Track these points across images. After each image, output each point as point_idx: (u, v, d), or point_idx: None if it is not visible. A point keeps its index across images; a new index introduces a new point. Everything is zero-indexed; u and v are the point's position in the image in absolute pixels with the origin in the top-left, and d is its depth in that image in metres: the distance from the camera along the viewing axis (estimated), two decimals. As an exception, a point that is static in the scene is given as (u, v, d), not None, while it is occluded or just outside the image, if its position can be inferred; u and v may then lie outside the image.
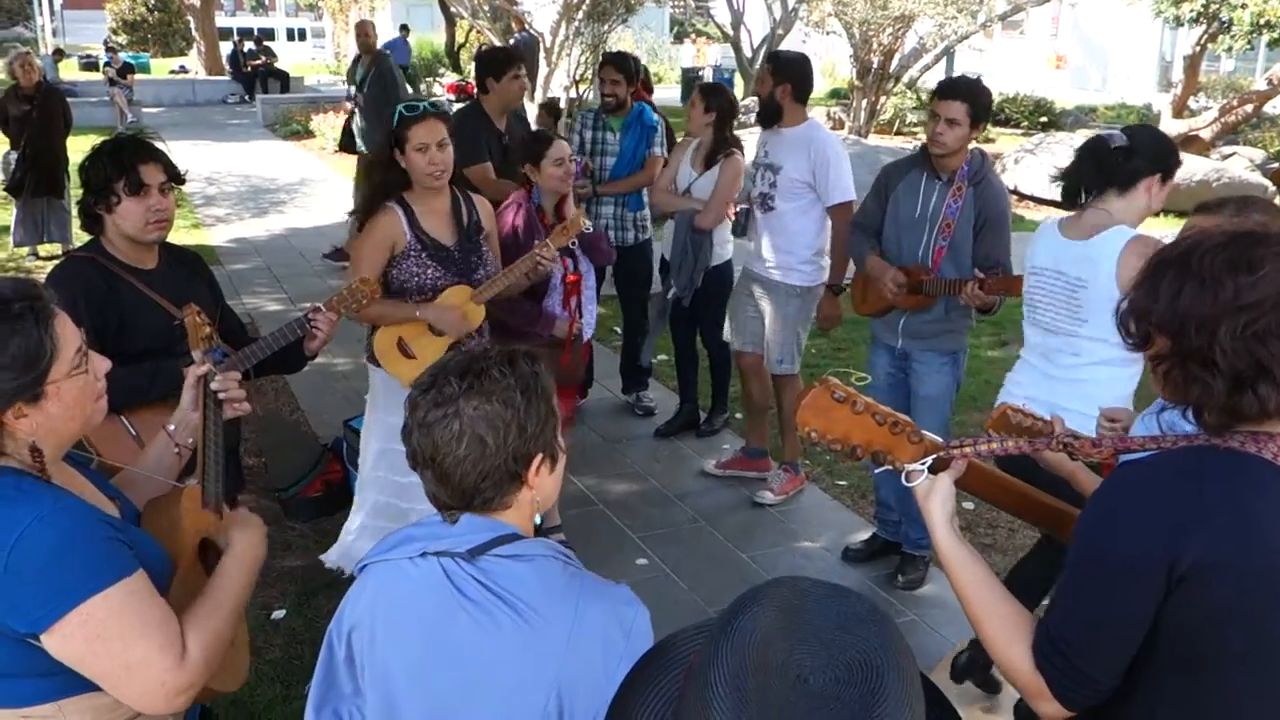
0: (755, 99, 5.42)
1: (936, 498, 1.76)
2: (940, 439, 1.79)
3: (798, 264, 4.97)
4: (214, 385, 2.28)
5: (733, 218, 5.33)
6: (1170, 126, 16.61)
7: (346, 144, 9.81)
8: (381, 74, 9.31)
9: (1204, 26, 16.05)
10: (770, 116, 4.98)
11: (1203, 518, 1.49)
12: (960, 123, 4.01)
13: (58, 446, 1.79)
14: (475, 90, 5.76)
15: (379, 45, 9.91)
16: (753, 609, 1.06)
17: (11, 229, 9.17)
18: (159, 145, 3.07)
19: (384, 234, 3.74)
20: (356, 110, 9.61)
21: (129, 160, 2.88)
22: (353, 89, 9.91)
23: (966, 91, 4.07)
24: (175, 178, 2.99)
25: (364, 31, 9.93)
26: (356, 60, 10.00)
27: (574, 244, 4.31)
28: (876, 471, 1.69)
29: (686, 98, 24.61)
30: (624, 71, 5.97)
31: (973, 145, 4.19)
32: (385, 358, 3.84)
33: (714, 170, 5.29)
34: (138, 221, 2.90)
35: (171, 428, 2.26)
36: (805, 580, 1.12)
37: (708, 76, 21.87)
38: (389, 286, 3.76)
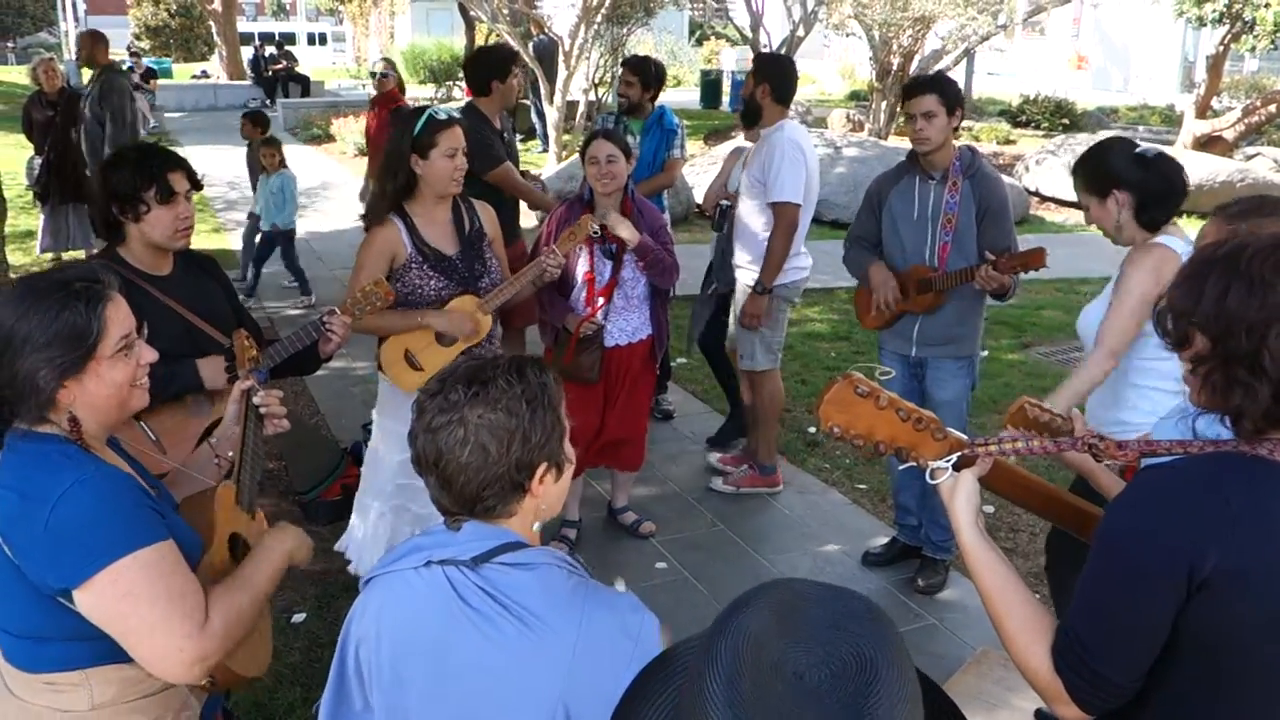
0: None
1: (961, 495, 1.75)
2: (964, 436, 1.78)
3: (755, 261, 4.99)
4: (256, 400, 2.42)
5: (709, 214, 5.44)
6: (1194, 127, 16.50)
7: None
8: (106, 91, 8.31)
9: (1227, 26, 15.93)
10: (752, 117, 5.02)
11: (1226, 525, 1.47)
12: (936, 114, 4.03)
13: (98, 424, 1.91)
14: (471, 93, 5.68)
15: (111, 58, 8.55)
16: (748, 610, 1.06)
17: (39, 236, 9.21)
18: (179, 151, 3.11)
19: (383, 246, 3.70)
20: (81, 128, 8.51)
21: (158, 169, 2.90)
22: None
23: (933, 84, 4.13)
24: (196, 184, 3.03)
25: (83, 44, 8.64)
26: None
27: (613, 247, 4.30)
28: (900, 468, 1.69)
29: (705, 99, 24.71)
30: (639, 74, 5.98)
31: (963, 142, 4.19)
32: (391, 369, 3.81)
33: None
34: (167, 229, 2.92)
35: (214, 440, 2.41)
36: (800, 581, 1.11)
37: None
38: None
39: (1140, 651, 1.56)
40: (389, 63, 9.92)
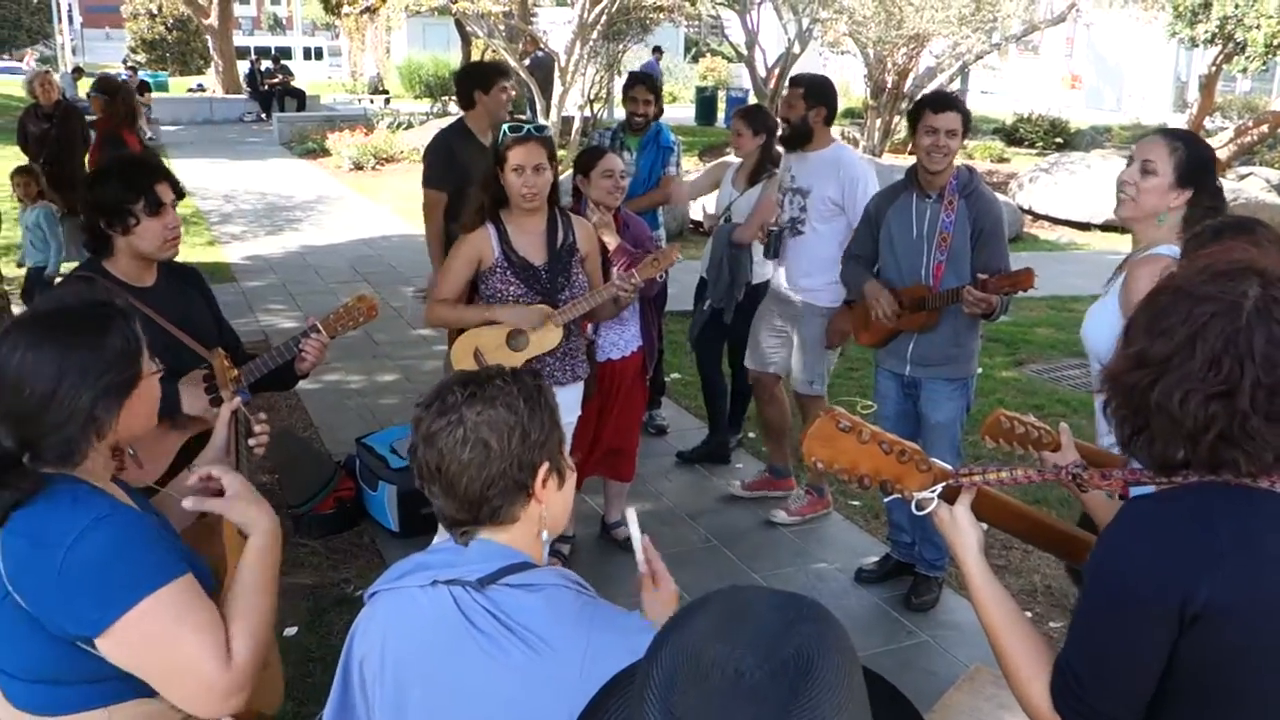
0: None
1: (964, 529, 1.76)
2: (949, 466, 1.78)
3: (826, 284, 4.91)
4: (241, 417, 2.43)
5: (763, 240, 5.29)
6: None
7: None
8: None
9: (1219, 47, 16.03)
10: (800, 139, 5.02)
11: (1216, 557, 1.46)
12: (958, 133, 4.07)
13: (124, 445, 1.86)
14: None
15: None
16: (695, 613, 1.06)
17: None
18: (174, 164, 3.12)
19: (471, 249, 3.80)
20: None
21: (145, 182, 2.92)
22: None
23: (957, 102, 4.17)
24: (179, 193, 3.06)
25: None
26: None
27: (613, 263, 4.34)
28: (886, 500, 1.69)
29: (700, 116, 24.68)
30: (655, 91, 6.03)
31: (960, 161, 4.23)
32: (460, 364, 3.84)
33: (755, 189, 5.33)
34: (157, 239, 2.94)
35: (194, 481, 2.29)
36: (751, 587, 1.12)
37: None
38: (475, 301, 3.86)
39: (1136, 686, 1.54)
40: (114, 83, 8.83)
